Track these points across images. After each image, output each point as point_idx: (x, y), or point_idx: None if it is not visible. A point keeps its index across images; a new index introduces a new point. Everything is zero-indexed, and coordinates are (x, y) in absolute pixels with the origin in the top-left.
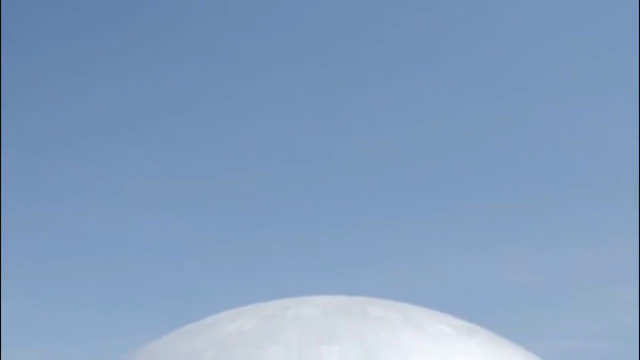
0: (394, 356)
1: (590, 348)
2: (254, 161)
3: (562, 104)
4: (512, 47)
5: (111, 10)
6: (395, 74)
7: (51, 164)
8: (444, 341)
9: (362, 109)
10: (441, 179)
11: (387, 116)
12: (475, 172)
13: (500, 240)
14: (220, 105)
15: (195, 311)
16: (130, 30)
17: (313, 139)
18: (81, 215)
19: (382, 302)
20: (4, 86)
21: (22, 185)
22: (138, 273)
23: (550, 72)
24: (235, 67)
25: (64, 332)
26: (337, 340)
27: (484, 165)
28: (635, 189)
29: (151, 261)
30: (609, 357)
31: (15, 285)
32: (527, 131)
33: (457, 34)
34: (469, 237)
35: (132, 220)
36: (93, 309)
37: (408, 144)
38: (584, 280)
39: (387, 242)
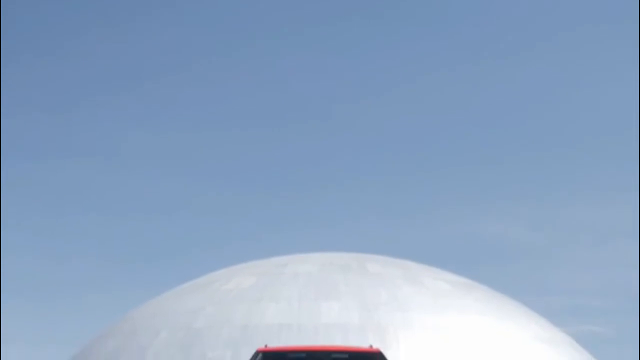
0: (392, 312)
1: (588, 305)
2: (253, 118)
3: (561, 60)
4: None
5: None
6: (389, 32)
7: (48, 121)
8: (443, 297)
9: (358, 67)
10: (438, 135)
11: (382, 74)
12: (473, 128)
13: (499, 196)
14: (215, 63)
15: (195, 268)
16: None
17: (311, 96)
18: (80, 172)
19: (381, 259)
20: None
21: (19, 144)
22: (137, 230)
23: (550, 29)
24: (230, 25)
25: (63, 290)
26: (336, 296)
27: (482, 121)
28: (635, 143)
29: (150, 218)
30: (608, 314)
31: (17, 241)
32: (524, 86)
33: None
34: (468, 194)
35: (130, 177)
36: (93, 267)
37: (404, 101)
38: (582, 237)
39: (386, 199)
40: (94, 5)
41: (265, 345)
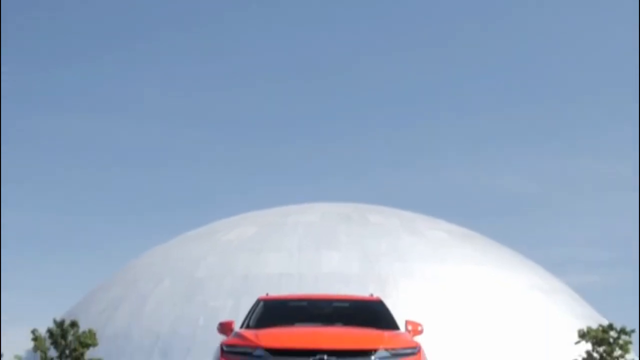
0: (392, 262)
1: (587, 255)
2: (256, 72)
3: (565, 9)
4: None
5: None
6: None
7: (53, 73)
8: (442, 247)
9: (357, 20)
10: (438, 86)
11: (382, 26)
12: (473, 79)
13: (498, 147)
14: (222, 17)
15: (196, 218)
16: None
17: (312, 50)
18: (81, 124)
19: (381, 209)
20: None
21: (22, 95)
22: (141, 180)
23: None
24: None
25: (68, 239)
26: (336, 246)
27: (482, 72)
28: (635, 95)
29: (153, 169)
30: (606, 264)
31: (20, 192)
32: (526, 37)
33: None
34: (468, 145)
35: (132, 128)
36: (97, 216)
37: (404, 53)
38: (582, 187)
39: (386, 150)
40: None
41: (267, 294)
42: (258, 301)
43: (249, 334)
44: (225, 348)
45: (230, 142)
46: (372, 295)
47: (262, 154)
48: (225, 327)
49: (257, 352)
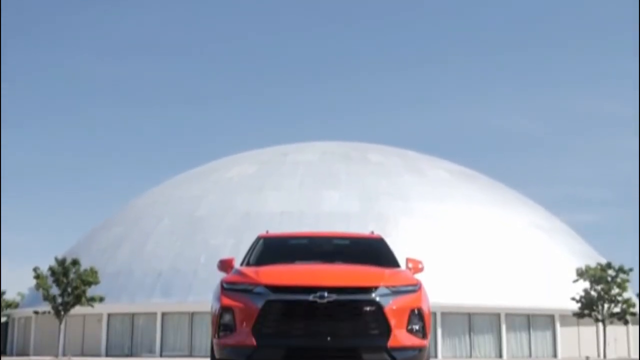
0: (393, 201)
1: (587, 195)
2: (258, 9)
3: None
4: None
5: None
6: None
7: (48, 9)
8: (443, 186)
9: None
10: (439, 25)
11: None
12: (474, 18)
13: (500, 86)
14: None
15: (197, 157)
16: None
17: None
18: (86, 62)
19: (381, 148)
20: None
21: (21, 34)
22: (140, 119)
23: None
24: None
25: (70, 178)
26: (337, 185)
27: (483, 11)
28: (635, 36)
29: (152, 108)
30: (607, 204)
31: (21, 132)
32: None
33: None
34: (469, 84)
35: (136, 68)
36: (99, 156)
37: None
38: (583, 127)
39: (387, 89)
40: None
41: (267, 232)
42: (258, 239)
43: (250, 271)
44: (225, 285)
45: (230, 81)
46: (372, 232)
47: (261, 92)
48: (225, 265)
49: (258, 289)
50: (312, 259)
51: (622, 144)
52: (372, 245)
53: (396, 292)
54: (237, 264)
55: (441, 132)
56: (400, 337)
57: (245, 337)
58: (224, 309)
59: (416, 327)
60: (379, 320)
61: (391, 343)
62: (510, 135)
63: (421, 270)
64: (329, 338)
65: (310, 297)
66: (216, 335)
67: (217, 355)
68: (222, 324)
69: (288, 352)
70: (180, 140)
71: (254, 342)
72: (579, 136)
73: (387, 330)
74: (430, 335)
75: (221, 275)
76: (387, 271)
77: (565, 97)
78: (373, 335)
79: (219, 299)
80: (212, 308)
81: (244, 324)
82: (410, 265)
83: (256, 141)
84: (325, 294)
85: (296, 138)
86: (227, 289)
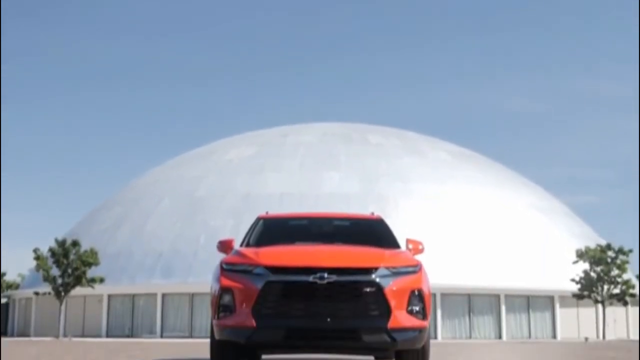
0: (393, 182)
1: (586, 175)
2: None
3: None
4: None
5: None
6: None
7: None
8: (442, 167)
9: None
10: (443, 4)
11: None
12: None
13: (500, 67)
14: None
15: (196, 138)
16: None
17: None
18: (83, 40)
19: (381, 129)
20: None
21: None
22: (142, 101)
23: None
24: None
25: (70, 159)
26: (337, 166)
27: None
28: (635, 15)
29: (152, 89)
30: (606, 185)
31: (21, 112)
32: None
33: None
34: (468, 64)
35: (136, 47)
36: (99, 136)
37: None
38: (583, 108)
39: (387, 70)
40: None
41: (267, 212)
42: (258, 219)
43: (249, 252)
44: (225, 266)
45: (230, 62)
46: (373, 213)
47: (261, 73)
48: (225, 246)
49: (257, 270)
50: (312, 240)
51: (623, 125)
52: (372, 226)
53: (396, 273)
54: (236, 245)
55: (441, 113)
56: (401, 318)
57: (245, 318)
58: (224, 290)
59: (416, 308)
60: (379, 301)
61: (391, 324)
62: (510, 116)
63: (421, 251)
64: (328, 319)
65: (310, 278)
66: (216, 317)
67: (216, 336)
68: (222, 305)
69: (288, 333)
70: (181, 122)
71: (253, 323)
72: (579, 117)
73: (387, 312)
74: (430, 317)
75: (221, 256)
76: (387, 252)
77: (565, 78)
78: (373, 316)
79: (219, 280)
80: (211, 289)
81: (244, 305)
82: (410, 246)
83: (256, 122)
84: (325, 275)
85: (296, 119)
86: (226, 269)
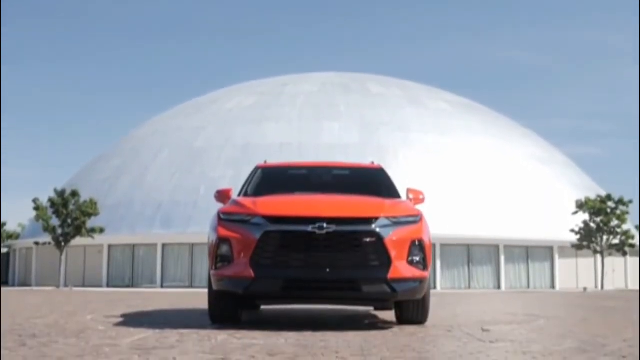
0: (393, 132)
1: (588, 127)
2: None
3: None
4: None
5: None
6: None
7: None
8: (443, 117)
9: None
10: None
11: None
12: None
13: (502, 18)
14: None
15: (195, 88)
16: None
17: None
18: None
19: (382, 79)
20: None
21: None
22: (140, 51)
23: None
24: None
25: (69, 109)
26: (337, 116)
27: None
28: None
29: (151, 39)
30: (608, 136)
31: (21, 64)
32: None
33: None
34: (470, 15)
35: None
36: (97, 87)
37: None
38: (584, 59)
39: (388, 19)
40: None
41: (265, 162)
42: (256, 169)
43: (247, 201)
44: (222, 216)
45: (230, 11)
46: (373, 163)
47: (260, 23)
48: (222, 195)
49: (255, 220)
50: (311, 190)
51: (626, 77)
52: (373, 175)
53: (397, 223)
54: (235, 195)
55: (442, 64)
56: (401, 268)
57: (243, 268)
58: (221, 240)
59: (417, 258)
60: (379, 251)
61: (391, 275)
62: (512, 67)
63: (422, 201)
64: (328, 270)
65: (309, 228)
66: (213, 267)
67: (214, 287)
68: (220, 255)
69: (286, 284)
70: (180, 72)
71: (251, 273)
72: (581, 68)
73: (387, 262)
74: (430, 267)
75: (220, 206)
76: (388, 202)
77: (567, 29)
78: (373, 266)
79: (216, 230)
80: (209, 239)
81: (242, 255)
82: (411, 196)
83: (255, 72)
84: (325, 225)
85: (295, 69)
86: (224, 219)
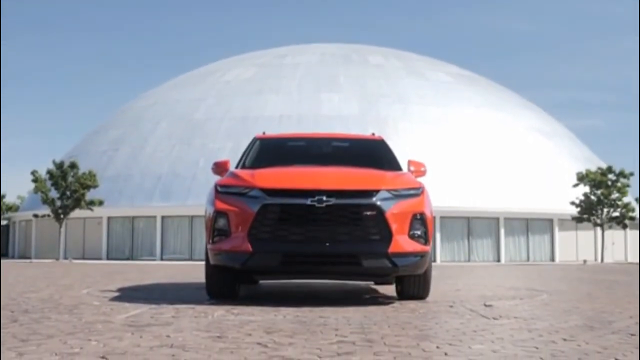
0: (393, 104)
1: (589, 98)
2: None
3: None
4: None
5: None
6: None
7: None
8: (443, 89)
9: None
10: None
11: None
12: None
13: None
14: None
15: (194, 59)
16: None
17: None
18: None
19: (382, 50)
20: None
21: None
22: (139, 22)
23: None
24: None
25: (68, 80)
26: (336, 87)
27: None
28: None
29: (150, 9)
30: (608, 107)
31: (19, 35)
32: None
33: None
34: None
35: None
36: (96, 58)
37: None
38: (585, 30)
39: None
40: None
41: (264, 133)
42: (254, 140)
43: (245, 173)
44: (219, 188)
45: None
46: (373, 134)
47: None
48: (220, 167)
49: (253, 193)
50: (311, 162)
51: (627, 48)
52: (373, 147)
53: (398, 196)
54: (232, 167)
55: (442, 35)
56: (402, 242)
57: (240, 242)
58: (218, 213)
59: (418, 232)
60: (380, 225)
61: (392, 249)
62: (512, 38)
63: (424, 173)
64: (327, 244)
65: (308, 201)
66: (210, 241)
67: (211, 261)
68: (217, 229)
69: (285, 258)
70: (178, 42)
71: (249, 247)
72: (582, 39)
73: (388, 236)
74: (432, 241)
75: (217, 178)
76: (389, 174)
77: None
78: (373, 240)
79: (213, 203)
80: (206, 212)
81: (239, 228)
82: (412, 168)
83: (254, 43)
84: (324, 198)
85: (295, 40)
86: (221, 192)
